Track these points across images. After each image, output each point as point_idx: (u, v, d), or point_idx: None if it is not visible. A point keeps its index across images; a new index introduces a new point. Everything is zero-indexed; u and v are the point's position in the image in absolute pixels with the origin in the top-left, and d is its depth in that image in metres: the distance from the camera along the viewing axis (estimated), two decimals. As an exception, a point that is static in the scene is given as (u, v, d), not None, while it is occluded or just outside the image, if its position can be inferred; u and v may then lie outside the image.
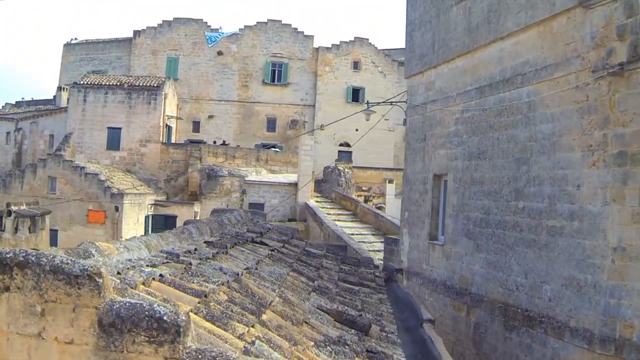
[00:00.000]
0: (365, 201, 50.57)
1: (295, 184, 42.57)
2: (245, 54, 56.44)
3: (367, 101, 26.11)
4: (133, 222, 33.76)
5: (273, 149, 49.87)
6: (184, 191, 42.82)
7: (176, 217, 37.74)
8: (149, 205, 36.72)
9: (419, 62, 18.81)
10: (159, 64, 55.40)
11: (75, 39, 62.18)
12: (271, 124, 56.78)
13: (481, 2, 15.37)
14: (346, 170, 48.45)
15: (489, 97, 14.95)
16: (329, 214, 42.15)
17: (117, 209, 31.66)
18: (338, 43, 58.28)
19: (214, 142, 51.35)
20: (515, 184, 13.63)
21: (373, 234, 39.42)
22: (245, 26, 57.21)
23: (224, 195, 41.30)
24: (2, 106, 57.79)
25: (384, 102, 23.25)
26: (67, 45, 59.89)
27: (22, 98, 60.51)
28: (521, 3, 13.66)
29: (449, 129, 16.89)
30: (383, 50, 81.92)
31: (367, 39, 61.30)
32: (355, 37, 59.21)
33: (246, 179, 41.93)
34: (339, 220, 41.00)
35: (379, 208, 51.54)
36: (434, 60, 17.75)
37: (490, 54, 15.05)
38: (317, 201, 44.16)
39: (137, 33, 55.87)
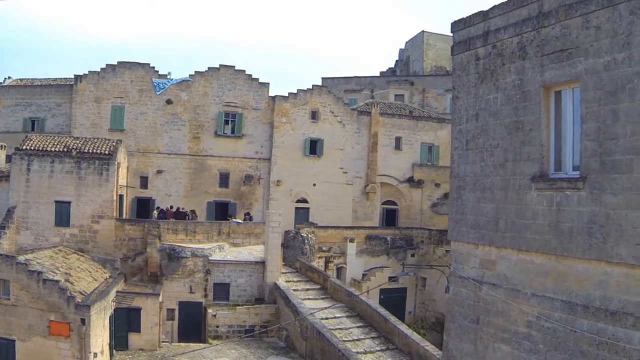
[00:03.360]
0: (327, 263, 48.70)
1: (262, 262, 39.85)
2: (197, 103, 52.59)
3: (403, 263, 23.51)
4: (100, 330, 30.35)
5: (234, 219, 46.69)
6: (143, 271, 39.63)
7: (140, 309, 34.71)
8: (112, 302, 33.39)
9: (472, 231, 16.34)
10: (102, 113, 50.96)
11: (9, 77, 57.54)
12: (224, 180, 53.17)
13: (578, 204, 13.04)
14: (309, 236, 46.08)
15: (581, 319, 12.83)
16: (297, 289, 39.95)
17: (83, 322, 28.14)
18: (295, 91, 55.28)
19: (171, 207, 47.91)
20: None
21: (348, 316, 37.51)
22: (196, 72, 53.30)
23: (187, 276, 38.58)
24: None
25: (422, 266, 20.61)
26: (1, 88, 55.05)
27: (-51, 151, 55.34)
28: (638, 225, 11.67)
29: (517, 327, 14.70)
30: (330, 78, 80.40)
31: (326, 87, 58.80)
32: (313, 85, 56.42)
33: (210, 258, 39.15)
34: (308, 298, 39.04)
35: (340, 268, 49.59)
36: (498, 241, 15.38)
37: (587, 270, 12.86)
38: (283, 273, 41.71)
39: (78, 78, 51.17)
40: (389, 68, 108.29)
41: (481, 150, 16.09)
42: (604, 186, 12.41)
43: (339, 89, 77.58)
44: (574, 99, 13.59)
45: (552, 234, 13.61)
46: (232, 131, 53.67)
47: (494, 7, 16.00)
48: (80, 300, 29.36)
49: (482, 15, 16.33)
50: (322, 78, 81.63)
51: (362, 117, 57.46)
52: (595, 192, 12.57)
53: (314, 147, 55.38)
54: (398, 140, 58.76)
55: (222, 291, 39.36)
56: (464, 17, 17.25)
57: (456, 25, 17.58)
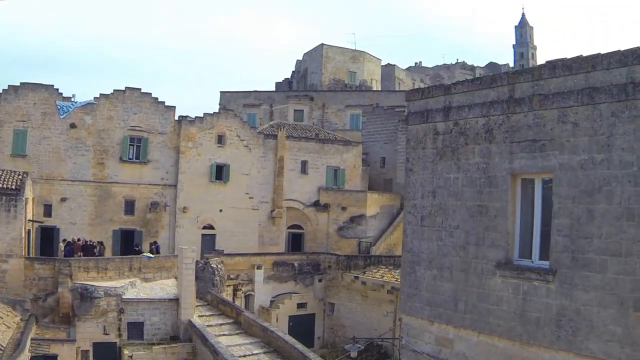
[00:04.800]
0: (235, 291, 48.18)
1: (176, 299, 39.06)
2: (101, 127, 51.03)
3: (354, 336, 23.37)
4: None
5: (144, 254, 45.30)
6: (55, 312, 38.07)
7: (57, 356, 33.21)
8: (28, 352, 31.94)
9: (427, 307, 16.26)
10: (4, 137, 48.57)
11: None
12: (129, 207, 51.86)
13: (547, 296, 13.27)
14: (219, 266, 45.42)
15: (552, 414, 13.00)
16: (210, 324, 39.26)
17: (6, 381, 26.86)
18: (202, 115, 54.55)
19: (78, 239, 46.14)
20: None
21: (265, 352, 36.90)
22: (101, 94, 51.76)
23: (100, 316, 37.32)
24: None
25: (373, 338, 20.56)
26: None
27: None
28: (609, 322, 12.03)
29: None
30: (229, 92, 79.82)
31: (232, 110, 58.36)
32: (220, 109, 55.98)
33: (123, 297, 38.05)
34: (223, 334, 38.34)
35: (248, 296, 49.20)
36: (456, 321, 15.41)
37: (555, 360, 13.00)
38: (196, 306, 40.96)
39: (-22, 100, 49.24)
40: (285, 79, 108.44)
41: (439, 229, 15.90)
42: (575, 282, 12.58)
43: (237, 103, 77.38)
44: (542, 187, 13.71)
45: (518, 321, 13.70)
46: (138, 157, 52.40)
47: (457, 83, 16.02)
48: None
49: (443, 89, 16.16)
50: (221, 92, 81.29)
51: (269, 140, 57.25)
52: (566, 287, 12.74)
53: (220, 173, 54.82)
54: (304, 164, 58.87)
55: (136, 330, 38.32)
56: (421, 87, 17.13)
57: (412, 95, 17.32)
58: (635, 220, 11.78)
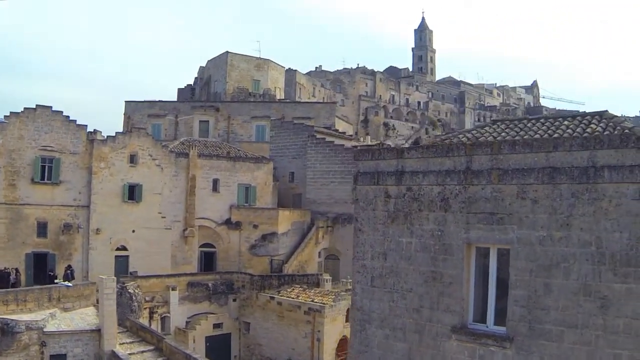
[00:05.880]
0: (151, 313, 47.91)
1: (98, 330, 38.55)
2: (12, 147, 49.43)
3: None
4: None
5: (63, 282, 44.19)
6: (-27, 348, 37.14)
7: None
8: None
9: (378, 365, 16.66)
10: None
11: None
12: (42, 229, 50.40)
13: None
14: (136, 291, 45.01)
15: None
16: (132, 353, 38.97)
17: None
18: (114, 134, 53.81)
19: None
20: None
21: (190, 380, 36.91)
22: (12, 113, 50.06)
23: (21, 351, 36.48)
24: None
25: None
26: None
27: None
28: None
29: None
30: (134, 102, 78.66)
31: (144, 129, 57.69)
32: (132, 128, 55.31)
33: (45, 330, 37.31)
34: (146, 362, 38.12)
35: (164, 318, 48.98)
36: (410, 380, 15.89)
37: None
38: (118, 333, 40.54)
39: None
40: (188, 85, 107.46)
41: (390, 290, 15.95)
42: (531, 349, 13.20)
43: (142, 113, 76.55)
44: (498, 256, 14.12)
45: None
46: (50, 177, 51.02)
47: (411, 148, 16.09)
48: None
49: (396, 153, 16.12)
50: (126, 101, 79.75)
51: (180, 159, 56.87)
52: (523, 353, 13.34)
53: (132, 193, 54.22)
54: (216, 182, 58.87)
55: (59, 362, 37.84)
56: (372, 148, 17.06)
57: (361, 155, 17.17)
58: (592, 296, 12.50)
